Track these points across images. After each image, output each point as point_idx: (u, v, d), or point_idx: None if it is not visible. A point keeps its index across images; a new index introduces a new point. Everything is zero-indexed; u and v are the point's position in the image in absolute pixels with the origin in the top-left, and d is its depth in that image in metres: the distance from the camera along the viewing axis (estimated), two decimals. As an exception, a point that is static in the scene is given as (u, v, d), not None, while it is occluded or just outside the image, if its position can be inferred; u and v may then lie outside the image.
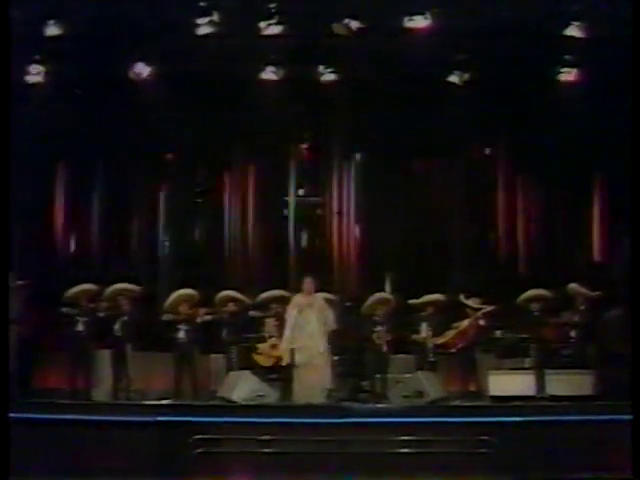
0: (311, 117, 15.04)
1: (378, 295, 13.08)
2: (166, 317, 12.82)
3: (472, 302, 12.83)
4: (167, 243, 15.64)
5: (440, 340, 12.80)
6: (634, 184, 8.99)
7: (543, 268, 15.02)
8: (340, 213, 15.41)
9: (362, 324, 12.96)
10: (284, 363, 11.70)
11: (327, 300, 12.04)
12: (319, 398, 11.34)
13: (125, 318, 12.62)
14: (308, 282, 11.80)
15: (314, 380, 11.46)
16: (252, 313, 13.19)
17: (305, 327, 11.65)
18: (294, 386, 11.43)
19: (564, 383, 12.08)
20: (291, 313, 11.66)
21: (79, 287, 12.62)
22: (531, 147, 14.89)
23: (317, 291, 11.95)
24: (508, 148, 15.35)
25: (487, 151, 15.85)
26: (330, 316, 11.90)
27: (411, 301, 13.11)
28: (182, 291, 13.00)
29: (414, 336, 12.99)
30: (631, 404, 8.59)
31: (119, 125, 14.63)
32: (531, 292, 12.80)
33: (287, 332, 11.61)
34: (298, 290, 12.01)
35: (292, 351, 11.54)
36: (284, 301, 12.44)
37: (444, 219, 15.46)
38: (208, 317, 12.87)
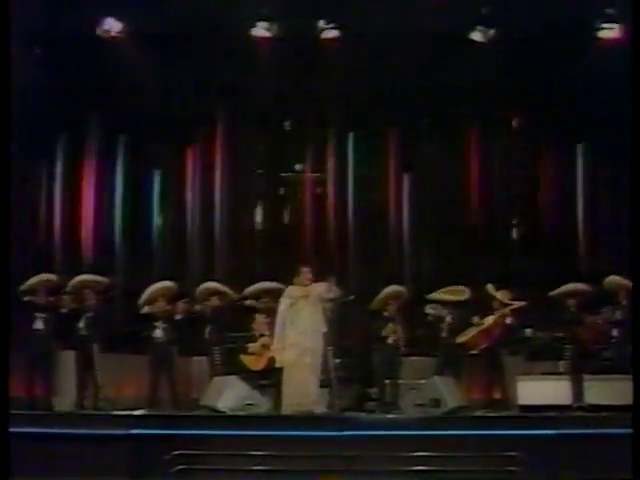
0: (310, 80, 14.97)
1: (390, 288, 13.03)
2: (141, 313, 12.80)
3: (502, 295, 12.82)
4: (141, 228, 15.68)
5: (461, 340, 12.75)
6: (634, 184, 9.61)
7: (581, 258, 15.03)
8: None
9: (369, 321, 13.00)
10: (277, 366, 11.62)
11: (326, 292, 11.95)
12: (314, 406, 11.32)
13: (91, 314, 12.57)
14: (305, 272, 11.73)
15: (309, 385, 11.43)
16: (246, 301, 13.20)
17: (297, 323, 11.61)
18: (285, 392, 11.41)
19: (605, 390, 12.05)
20: (282, 307, 11.61)
21: (37, 277, 12.57)
22: (567, 116, 14.84)
23: (309, 282, 11.88)
24: (539, 117, 15.32)
25: (515, 121, 15.87)
26: (329, 310, 11.90)
27: (431, 295, 13.09)
28: (159, 284, 12.99)
29: (430, 335, 13.03)
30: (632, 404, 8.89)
31: (86, 95, 14.62)
32: (567, 286, 12.78)
33: (278, 329, 11.54)
34: (293, 282, 11.95)
35: (282, 351, 11.49)
36: (276, 294, 12.33)
37: (466, 199, 15.51)
38: (189, 313, 12.86)
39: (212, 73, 14.69)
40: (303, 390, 11.37)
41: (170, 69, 14.57)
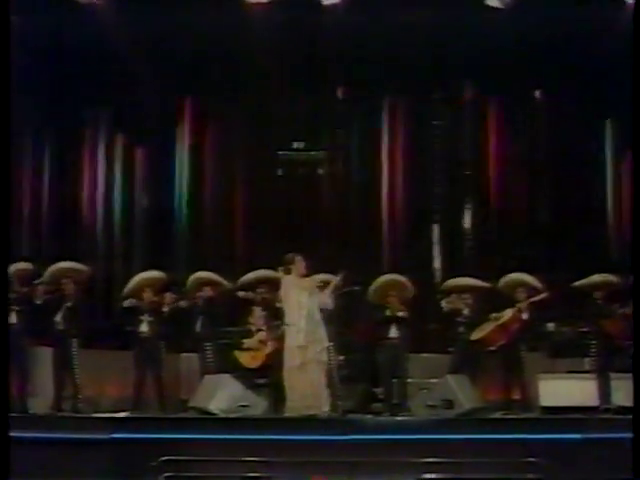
0: (312, 47, 14.90)
1: (386, 277, 13.03)
2: (125, 305, 12.79)
3: (533, 280, 12.79)
4: (126, 211, 15.65)
5: (476, 335, 12.72)
6: (635, 183, 9.83)
7: (610, 246, 14.99)
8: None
9: (372, 314, 12.97)
10: (297, 362, 11.43)
11: (326, 283, 11.89)
12: (319, 408, 11.26)
13: (70, 306, 12.52)
14: (300, 261, 11.65)
15: (318, 386, 11.36)
16: (240, 293, 13.17)
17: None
18: (291, 394, 11.35)
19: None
20: (302, 299, 11.41)
21: (10, 266, 12.49)
22: (594, 88, 14.77)
23: (314, 272, 11.83)
24: (563, 90, 15.26)
25: (536, 94, 15.79)
26: (328, 303, 11.80)
27: (445, 284, 13.07)
28: (145, 273, 13.01)
29: (443, 330, 13.05)
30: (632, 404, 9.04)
31: (62, 66, 14.60)
32: (594, 277, 12.74)
33: (294, 319, 11.39)
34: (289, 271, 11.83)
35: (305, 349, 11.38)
36: (274, 284, 12.29)
37: (482, 180, 15.46)
38: (178, 305, 12.83)
39: (204, 41, 14.61)
40: (313, 391, 11.32)
41: (158, 37, 14.49)
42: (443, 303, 12.96)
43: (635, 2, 10.55)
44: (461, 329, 12.81)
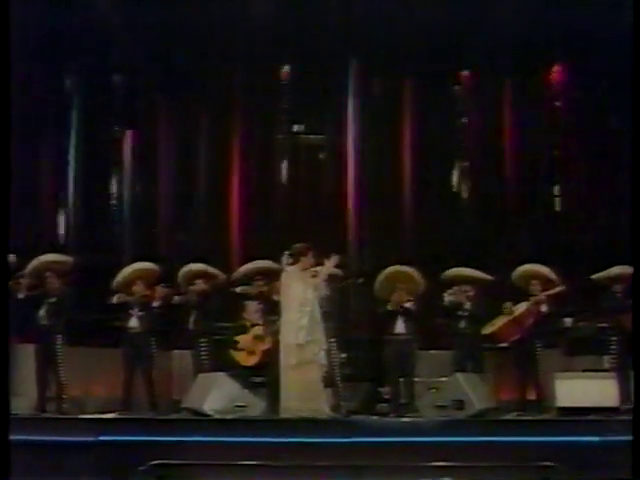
0: (313, 22, 14.91)
1: (392, 268, 13.04)
2: (114, 300, 12.82)
3: (548, 272, 12.79)
4: (114, 199, 15.66)
5: (488, 330, 12.78)
6: (635, 183, 10.13)
7: (631, 236, 14.93)
8: None
9: (380, 308, 12.98)
10: (294, 362, 11.41)
11: (329, 276, 11.86)
12: (318, 410, 11.26)
13: (54, 300, 12.57)
14: (310, 253, 11.59)
15: (316, 385, 11.33)
16: (237, 289, 13.19)
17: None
18: (284, 394, 11.32)
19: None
20: (308, 295, 11.32)
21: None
22: (620, 66, 14.73)
23: (316, 264, 11.75)
24: (587, 67, 15.22)
25: (556, 72, 15.78)
26: (331, 297, 11.84)
27: (449, 272, 13.11)
28: (136, 264, 13.06)
29: (452, 324, 12.98)
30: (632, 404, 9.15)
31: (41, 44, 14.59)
32: (614, 269, 12.72)
33: (294, 315, 11.34)
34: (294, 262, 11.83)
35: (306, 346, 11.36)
36: (272, 276, 12.33)
37: (497, 164, 15.50)
38: (170, 299, 12.88)
39: (195, 17, 14.64)
40: (311, 392, 11.30)
41: (147, 13, 14.49)
42: (445, 295, 12.99)
43: (635, 2, 10.67)
44: (467, 323, 12.85)
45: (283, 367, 11.23)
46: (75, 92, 15.48)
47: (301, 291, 11.25)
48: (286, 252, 11.35)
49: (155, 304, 12.78)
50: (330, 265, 11.47)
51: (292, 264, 11.34)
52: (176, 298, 12.94)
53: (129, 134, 15.82)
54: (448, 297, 13.00)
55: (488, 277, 13.14)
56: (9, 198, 9.68)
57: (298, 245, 11.40)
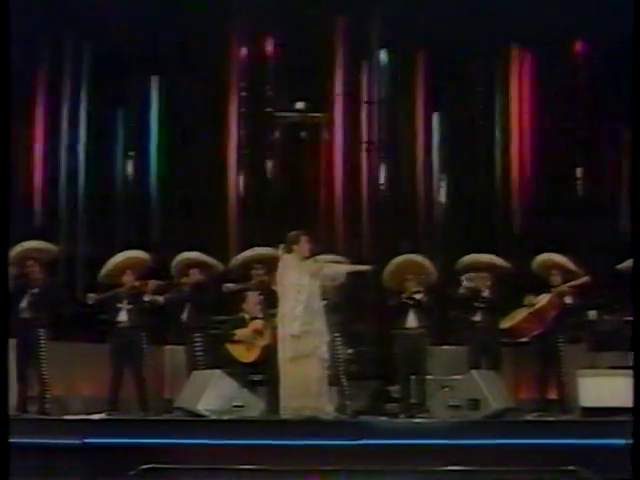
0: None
1: (401, 258, 13.08)
2: (101, 290, 12.82)
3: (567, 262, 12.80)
4: (101, 182, 15.69)
5: (506, 324, 12.81)
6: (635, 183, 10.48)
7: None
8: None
9: (389, 300, 13.03)
10: (289, 354, 11.40)
11: (332, 264, 11.88)
12: (322, 409, 11.23)
13: (37, 291, 12.57)
14: (305, 241, 11.59)
15: (314, 382, 11.27)
16: (230, 286, 13.16)
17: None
18: (282, 392, 11.31)
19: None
20: (313, 287, 11.31)
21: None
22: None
23: (317, 253, 11.78)
24: (609, 43, 15.18)
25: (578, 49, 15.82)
26: (335, 288, 11.86)
27: (460, 261, 13.09)
28: (125, 253, 13.06)
29: (467, 317, 12.99)
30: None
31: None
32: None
33: (289, 304, 11.32)
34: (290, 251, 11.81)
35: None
36: (272, 264, 12.19)
37: (514, 145, 15.58)
38: (161, 291, 12.91)
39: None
40: (310, 389, 11.26)
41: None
42: (462, 279, 12.96)
43: (635, 2, 10.85)
44: (484, 316, 12.86)
45: (280, 361, 11.23)
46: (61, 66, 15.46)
47: (296, 279, 11.25)
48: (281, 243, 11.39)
49: (147, 298, 12.78)
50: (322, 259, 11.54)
51: (288, 252, 11.36)
52: (167, 289, 12.95)
53: (121, 114, 15.82)
54: (465, 283, 12.96)
55: (507, 264, 13.15)
56: (9, 198, 9.76)
57: (292, 233, 11.39)
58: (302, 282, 11.24)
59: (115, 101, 15.76)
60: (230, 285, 13.16)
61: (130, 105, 15.87)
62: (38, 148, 15.35)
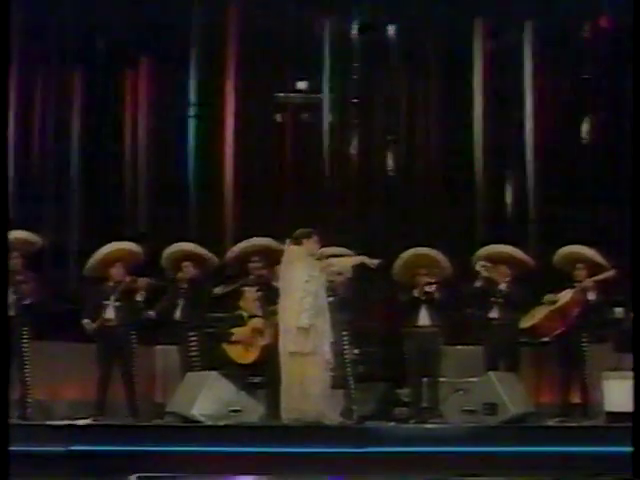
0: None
1: (418, 250, 13.04)
2: (88, 286, 12.89)
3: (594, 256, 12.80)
4: (88, 168, 15.66)
5: (527, 323, 12.77)
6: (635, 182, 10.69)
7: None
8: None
9: (399, 297, 13.03)
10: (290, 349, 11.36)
11: (338, 257, 11.89)
12: (324, 412, 11.24)
13: (19, 286, 12.47)
14: (316, 240, 11.58)
15: (316, 385, 11.30)
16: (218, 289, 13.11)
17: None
18: (284, 396, 11.34)
19: None
20: (317, 286, 11.36)
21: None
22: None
23: (322, 245, 11.79)
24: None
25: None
26: (341, 283, 11.89)
27: (478, 252, 13.09)
28: (115, 244, 13.04)
29: (484, 315, 12.96)
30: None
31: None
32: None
33: (292, 299, 11.33)
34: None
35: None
36: (272, 256, 12.33)
37: (534, 128, 15.60)
38: (153, 286, 12.89)
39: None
40: (312, 391, 11.29)
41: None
42: (478, 268, 12.92)
43: (635, 2, 11.05)
44: (502, 313, 12.83)
45: (281, 357, 11.26)
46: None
47: (304, 271, 11.31)
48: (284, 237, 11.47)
49: (138, 298, 12.75)
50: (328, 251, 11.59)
51: (296, 245, 11.44)
52: (159, 284, 12.95)
53: (106, 99, 15.87)
54: (480, 270, 12.91)
55: (528, 258, 13.13)
56: (7, 198, 9.99)
57: (302, 230, 11.48)
58: (312, 273, 11.33)
59: (103, 87, 15.76)
60: (218, 289, 13.11)
61: (119, 90, 15.89)
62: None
